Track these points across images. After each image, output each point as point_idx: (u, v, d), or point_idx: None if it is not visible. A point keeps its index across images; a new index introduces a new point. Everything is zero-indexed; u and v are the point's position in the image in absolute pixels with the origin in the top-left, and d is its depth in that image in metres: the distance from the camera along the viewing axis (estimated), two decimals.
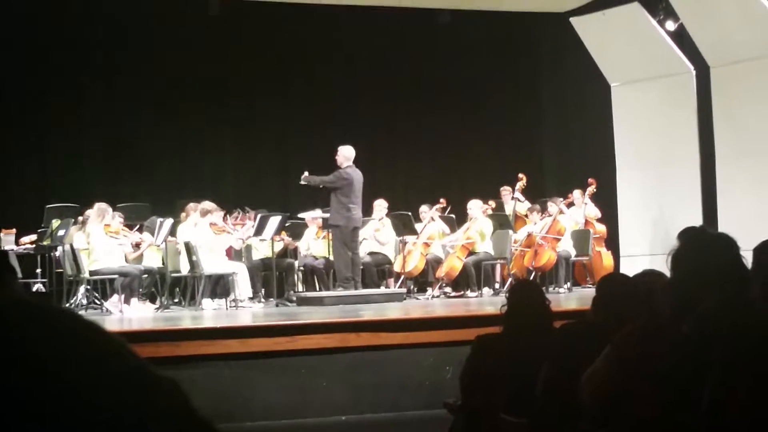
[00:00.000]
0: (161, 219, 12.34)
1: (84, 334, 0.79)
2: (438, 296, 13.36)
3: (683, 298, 2.93)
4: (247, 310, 11.84)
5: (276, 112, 16.21)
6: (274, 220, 12.26)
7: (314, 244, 13.46)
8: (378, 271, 13.48)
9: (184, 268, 12.17)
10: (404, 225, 13.30)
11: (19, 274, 10.73)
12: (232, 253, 12.91)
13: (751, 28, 12.67)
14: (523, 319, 4.59)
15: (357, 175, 12.15)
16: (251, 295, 12.46)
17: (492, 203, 14.26)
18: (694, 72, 13.87)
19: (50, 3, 14.65)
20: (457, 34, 15.91)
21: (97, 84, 15.16)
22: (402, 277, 13.48)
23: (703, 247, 3.03)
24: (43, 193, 14.21)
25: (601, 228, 14.43)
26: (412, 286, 13.76)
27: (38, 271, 13.27)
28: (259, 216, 12.50)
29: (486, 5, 14.99)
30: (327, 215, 12.45)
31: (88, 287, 11.72)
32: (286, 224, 13.03)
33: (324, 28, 15.77)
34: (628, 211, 14.65)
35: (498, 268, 13.96)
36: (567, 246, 13.85)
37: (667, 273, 3.15)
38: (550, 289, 13.64)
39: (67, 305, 11.16)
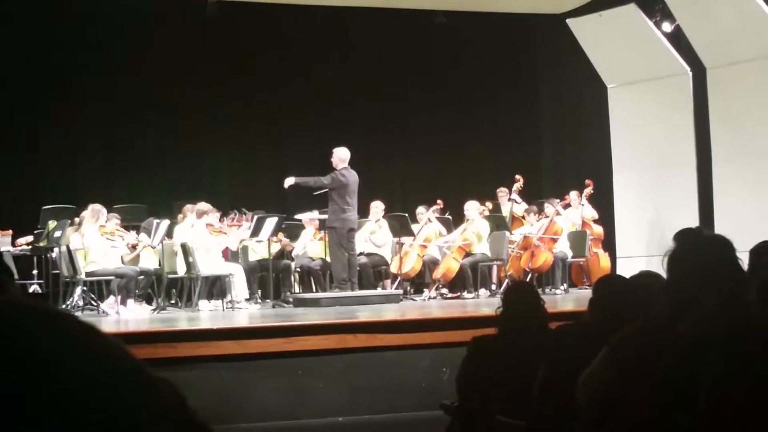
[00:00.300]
0: (158, 220, 12.34)
1: (80, 336, 0.79)
2: (435, 297, 13.36)
3: (680, 299, 2.93)
4: (244, 311, 11.83)
5: (273, 112, 16.21)
6: (271, 222, 12.26)
7: (311, 246, 13.45)
8: (375, 272, 13.47)
9: (181, 270, 12.17)
10: (401, 226, 13.30)
11: (16, 276, 10.75)
12: (229, 255, 12.91)
13: (748, 30, 12.69)
14: (518, 320, 4.59)
15: (352, 177, 12.14)
16: (248, 297, 12.46)
17: (489, 204, 14.26)
18: (690, 73, 13.89)
19: (47, 3, 14.64)
20: (454, 35, 15.92)
21: (94, 85, 15.14)
22: (399, 278, 13.48)
23: (699, 248, 3.03)
24: (39, 194, 14.20)
25: (598, 229, 14.44)
26: (408, 288, 13.76)
27: (35, 272, 13.26)
28: (255, 217, 12.50)
29: (483, 6, 14.99)
30: (324, 216, 12.46)
31: (85, 288, 11.71)
32: (282, 226, 13.02)
33: (321, 29, 15.78)
34: (624, 213, 14.67)
35: (495, 269, 13.97)
36: (564, 247, 13.85)
37: (664, 274, 3.15)
38: (547, 290, 13.66)
39: (64, 306, 11.16)
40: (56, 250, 11.99)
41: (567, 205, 14.40)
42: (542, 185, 16.40)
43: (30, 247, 12.99)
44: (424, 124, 16.65)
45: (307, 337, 8.07)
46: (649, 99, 14.23)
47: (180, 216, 12.78)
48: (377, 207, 13.62)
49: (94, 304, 11.72)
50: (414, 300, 13.20)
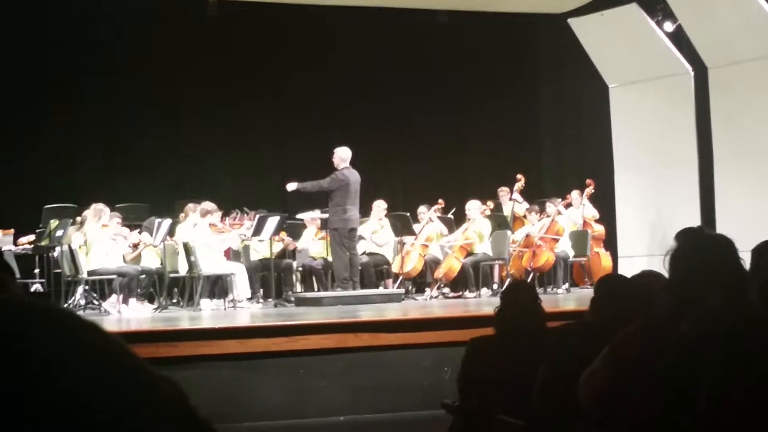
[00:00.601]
0: (159, 219, 12.34)
1: (83, 335, 0.79)
2: (436, 297, 13.36)
3: (681, 299, 2.93)
4: (246, 310, 11.83)
5: (274, 112, 16.21)
6: (273, 221, 12.26)
7: (313, 245, 13.45)
8: (376, 271, 13.48)
9: (183, 269, 12.18)
10: (403, 226, 13.30)
11: (18, 275, 10.76)
12: (231, 254, 12.91)
13: (749, 29, 12.68)
14: (515, 320, 4.59)
15: (353, 177, 12.14)
16: (249, 296, 12.47)
17: (490, 204, 14.26)
18: (692, 73, 13.89)
19: (49, 2, 14.64)
20: (455, 34, 15.92)
21: (96, 84, 15.13)
22: (400, 277, 13.48)
23: (701, 248, 3.03)
24: (41, 193, 14.18)
25: (600, 229, 14.44)
26: (410, 287, 13.76)
27: (36, 271, 13.26)
28: (257, 216, 12.50)
29: (484, 6, 14.99)
30: (325, 216, 12.46)
31: (87, 287, 11.71)
32: (284, 225, 13.02)
33: (322, 29, 15.77)
34: (626, 212, 14.67)
35: (496, 268, 13.96)
36: (565, 247, 13.85)
37: (666, 274, 3.15)
38: (548, 289, 13.67)
39: (66, 305, 11.16)
40: (58, 249, 11.99)
41: (568, 205, 14.39)
42: (544, 185, 16.40)
43: (32, 246, 12.98)
44: (426, 123, 16.64)
45: (308, 336, 8.07)
46: (651, 98, 14.23)
47: (182, 215, 12.78)
48: (379, 206, 13.62)
49: (96, 303, 11.72)
50: (416, 299, 13.20)
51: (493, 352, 4.54)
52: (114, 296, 11.63)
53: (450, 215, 14.23)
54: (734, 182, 13.11)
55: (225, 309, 11.85)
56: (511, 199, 14.82)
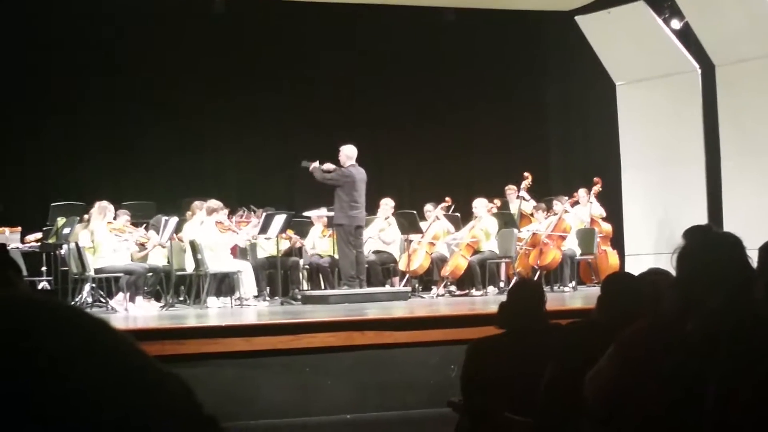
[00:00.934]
0: (166, 217, 12.35)
1: (91, 332, 0.79)
2: (443, 295, 13.35)
3: (688, 297, 2.93)
4: (252, 308, 11.85)
5: (280, 110, 16.21)
6: (279, 219, 12.27)
7: (319, 243, 13.46)
8: (383, 269, 13.48)
9: (189, 267, 12.18)
10: (409, 224, 13.30)
11: (25, 273, 10.78)
12: (237, 252, 12.92)
13: (757, 27, 12.66)
14: (521, 318, 4.58)
15: (360, 174, 12.15)
16: (256, 294, 12.48)
17: (497, 202, 14.25)
18: (699, 71, 13.86)
19: (50, 2, 14.65)
20: (462, 32, 15.90)
21: (100, 82, 15.15)
22: (407, 275, 13.48)
23: (708, 246, 3.02)
24: (48, 191, 14.21)
25: (607, 227, 14.43)
26: (416, 285, 13.76)
27: (43, 269, 13.28)
28: (264, 214, 12.51)
29: (491, 4, 14.98)
30: (332, 214, 12.46)
31: (93, 285, 11.73)
32: (291, 223, 13.02)
33: (328, 27, 15.76)
34: (633, 210, 14.65)
35: (503, 266, 13.95)
36: (572, 245, 13.84)
37: (673, 272, 3.15)
38: (555, 287, 13.66)
39: (73, 303, 11.18)
40: (65, 246, 12.01)
41: (575, 203, 14.38)
42: (551, 182, 16.38)
43: (39, 244, 13.01)
44: (433, 121, 16.63)
45: (315, 334, 8.07)
46: (658, 96, 14.21)
47: (188, 213, 12.79)
48: (386, 204, 13.62)
49: (103, 300, 11.74)
50: (422, 297, 13.20)
51: (495, 351, 4.53)
52: (121, 294, 11.65)
53: (456, 213, 14.22)
54: (741, 180, 13.09)
55: (231, 307, 11.86)
56: (518, 197, 14.81)
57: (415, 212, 13.52)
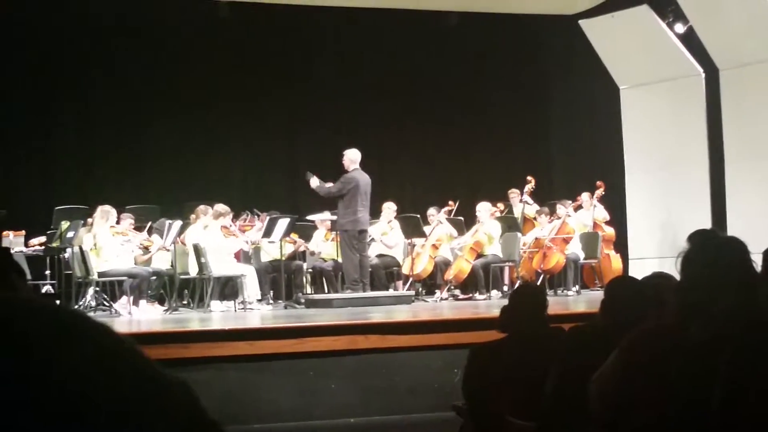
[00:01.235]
0: (170, 221, 12.36)
1: (93, 336, 0.79)
2: (446, 298, 13.34)
3: (692, 301, 2.92)
4: (256, 312, 11.84)
5: (284, 113, 16.22)
6: (283, 222, 12.28)
7: (323, 246, 13.47)
8: (386, 273, 13.47)
9: (193, 270, 12.18)
10: (413, 227, 13.30)
11: (29, 276, 10.78)
12: (241, 255, 12.92)
13: (761, 31, 12.65)
14: (523, 322, 4.57)
15: (363, 178, 12.15)
16: (260, 297, 12.47)
17: (500, 205, 14.24)
18: (703, 74, 13.85)
19: (56, 3, 14.67)
20: (465, 36, 15.91)
21: (106, 85, 15.18)
22: (410, 279, 13.47)
23: (712, 250, 3.02)
24: (52, 195, 14.24)
25: (610, 230, 14.42)
26: (420, 289, 13.76)
27: (47, 272, 13.28)
28: (268, 218, 12.51)
29: (495, 8, 14.98)
30: (335, 218, 12.47)
31: (97, 289, 11.73)
32: (294, 227, 13.02)
33: (332, 30, 15.79)
34: (636, 214, 14.64)
35: (506, 270, 13.94)
36: (576, 248, 13.83)
37: (677, 276, 3.15)
38: (559, 291, 13.65)
39: (76, 307, 11.18)
40: (69, 250, 12.02)
41: (578, 207, 14.38)
42: (554, 186, 16.38)
43: (43, 247, 13.01)
44: (436, 125, 16.64)
45: (318, 338, 8.07)
46: (662, 100, 14.20)
47: (192, 217, 12.79)
48: (389, 208, 13.62)
49: (107, 304, 11.74)
50: (426, 301, 13.19)
51: (496, 356, 4.52)
52: (124, 298, 11.66)
53: (460, 217, 14.22)
54: (745, 184, 13.08)
55: (235, 310, 11.86)
56: (521, 200, 14.81)
57: (418, 216, 13.52)
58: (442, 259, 13.68)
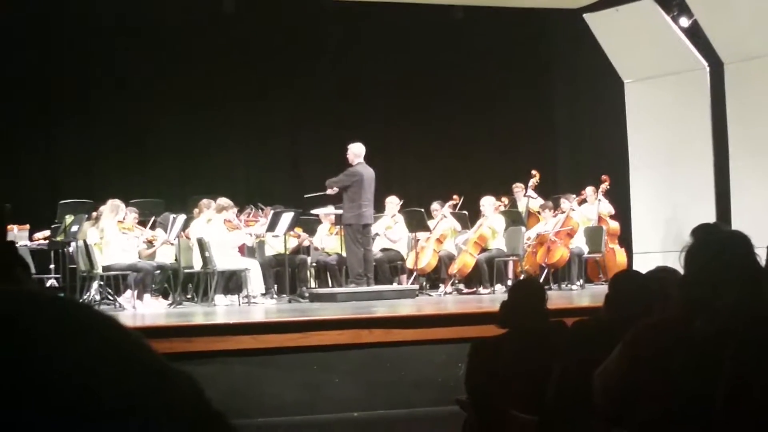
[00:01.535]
0: (174, 215, 12.36)
1: (99, 329, 0.79)
2: (450, 293, 13.35)
3: (696, 295, 2.92)
4: (260, 306, 11.85)
5: (288, 108, 16.21)
6: (287, 216, 12.28)
7: (327, 240, 13.47)
8: (390, 267, 13.47)
9: (197, 264, 12.19)
10: (417, 222, 13.29)
11: (33, 270, 10.80)
12: (245, 250, 12.93)
13: (765, 25, 12.63)
14: (523, 317, 4.58)
15: (367, 172, 12.14)
16: (264, 291, 12.47)
17: (505, 200, 14.24)
18: (707, 68, 13.83)
19: (59, 0, 14.67)
20: (470, 30, 15.89)
21: (109, 80, 15.18)
22: (414, 273, 13.47)
23: (717, 244, 3.02)
24: (56, 189, 14.26)
25: (614, 225, 14.41)
26: (424, 283, 13.75)
27: (52, 266, 13.30)
28: (272, 212, 12.51)
29: (500, 2, 14.95)
30: (339, 212, 12.47)
31: (101, 283, 11.75)
32: (298, 221, 13.01)
33: (337, 25, 15.77)
34: (641, 208, 14.63)
35: (511, 264, 13.94)
36: (580, 243, 13.83)
37: (680, 270, 3.14)
38: (563, 285, 13.65)
39: (81, 301, 11.19)
40: (73, 244, 12.03)
41: (582, 201, 14.37)
42: (558, 181, 16.36)
43: (47, 241, 13.03)
44: (440, 119, 16.63)
45: (322, 332, 8.07)
46: (666, 94, 14.18)
47: (196, 211, 12.80)
48: (393, 202, 13.62)
49: (111, 298, 11.76)
50: (430, 295, 13.19)
51: (497, 351, 4.53)
52: (129, 292, 11.67)
53: (464, 211, 14.21)
54: (750, 178, 13.06)
55: (239, 305, 11.87)
56: (525, 195, 14.81)
57: (422, 210, 13.52)
58: (447, 253, 13.68)
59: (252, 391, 7.78)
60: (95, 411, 0.73)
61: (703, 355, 2.76)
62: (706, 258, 2.95)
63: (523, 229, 13.67)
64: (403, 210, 13.63)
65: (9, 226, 12.83)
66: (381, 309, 9.90)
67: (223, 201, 12.41)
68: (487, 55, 16.54)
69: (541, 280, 12.25)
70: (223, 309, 11.48)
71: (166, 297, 12.41)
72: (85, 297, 11.57)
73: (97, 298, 11.61)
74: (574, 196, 14.23)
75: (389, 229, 13.50)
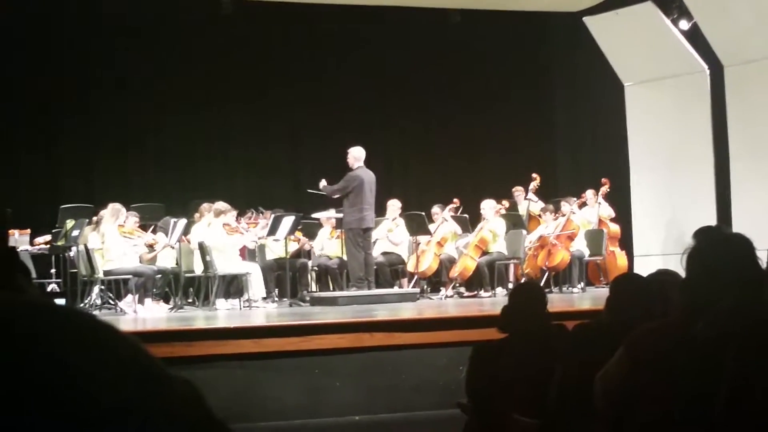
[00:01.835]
0: (175, 219, 12.36)
1: (98, 336, 0.79)
2: (451, 296, 13.34)
3: (697, 298, 2.92)
4: (261, 310, 11.85)
5: (289, 111, 16.22)
6: (288, 220, 12.28)
7: (328, 244, 13.46)
8: (391, 271, 13.48)
9: (198, 269, 12.19)
10: (418, 225, 13.30)
11: (34, 275, 10.80)
12: (246, 253, 12.93)
13: (765, 27, 12.62)
14: (524, 321, 4.57)
15: (367, 176, 12.15)
16: (265, 295, 12.47)
17: (505, 203, 14.24)
18: (708, 71, 13.82)
19: (62, 3, 14.69)
20: (469, 33, 15.90)
21: (109, 84, 15.20)
22: (415, 277, 13.48)
23: (718, 246, 3.02)
24: (57, 193, 14.26)
25: (615, 228, 14.41)
26: (425, 286, 13.75)
27: (53, 271, 13.31)
28: (273, 216, 12.52)
29: (499, 5, 14.96)
30: (340, 215, 12.47)
31: (102, 287, 11.75)
32: (299, 224, 13.02)
33: (336, 28, 15.78)
34: (641, 211, 14.61)
35: (511, 268, 13.94)
36: (581, 246, 13.82)
37: (681, 273, 3.14)
38: (564, 288, 13.64)
39: (82, 305, 11.21)
40: (74, 249, 12.04)
41: (583, 204, 14.37)
42: (559, 184, 16.37)
43: (48, 246, 13.04)
44: (441, 122, 16.64)
45: (323, 335, 8.07)
46: (667, 97, 14.18)
47: (197, 215, 12.80)
48: (394, 205, 13.63)
49: (112, 303, 11.76)
50: (431, 299, 13.19)
51: (498, 354, 4.52)
52: (130, 296, 11.67)
53: (464, 214, 14.21)
54: (750, 181, 13.05)
55: (240, 309, 11.87)
56: (526, 198, 14.81)
57: (423, 213, 13.52)
58: (447, 256, 13.68)
59: (253, 395, 7.78)
60: (94, 416, 0.73)
61: (705, 358, 2.76)
62: (708, 260, 2.95)
63: (524, 232, 13.67)
64: (403, 213, 13.63)
65: (10, 231, 12.84)
66: (382, 312, 9.90)
67: (221, 205, 12.41)
68: (488, 59, 16.55)
69: (542, 283, 12.25)
70: (224, 313, 11.47)
71: (167, 301, 12.42)
72: (86, 302, 11.58)
73: (98, 302, 11.61)
74: (575, 199, 14.24)
75: (391, 233, 13.51)
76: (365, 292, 11.89)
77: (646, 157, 14.50)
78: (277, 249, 13.01)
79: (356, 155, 12.25)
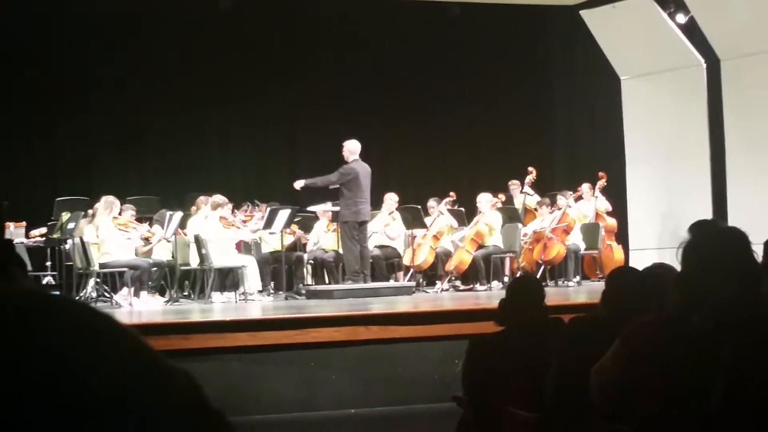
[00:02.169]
0: (171, 212, 12.35)
1: (96, 326, 0.79)
2: (447, 290, 13.35)
3: (693, 291, 2.92)
4: (257, 303, 11.85)
5: (285, 105, 16.22)
6: (284, 213, 12.27)
7: (324, 237, 13.46)
8: (387, 264, 13.47)
9: (194, 261, 12.19)
10: (414, 218, 13.30)
11: (29, 268, 10.79)
12: (242, 247, 12.92)
13: (762, 22, 12.63)
14: (521, 314, 4.57)
15: (363, 169, 12.14)
16: (260, 288, 12.47)
17: (501, 197, 14.24)
18: (704, 65, 13.83)
19: (59, 1, 14.65)
20: (467, 27, 15.88)
21: (106, 77, 15.17)
22: (411, 270, 13.48)
23: (714, 240, 3.02)
24: (52, 186, 14.24)
25: (611, 221, 14.42)
26: (421, 280, 13.76)
27: (48, 264, 13.29)
28: (269, 209, 12.51)
29: None
30: (336, 209, 12.47)
31: (98, 280, 11.74)
32: (296, 218, 13.02)
33: (334, 22, 15.76)
34: (637, 205, 14.62)
35: (507, 261, 13.94)
36: (576, 239, 13.83)
37: (677, 266, 3.14)
38: (560, 282, 13.65)
39: (77, 298, 11.19)
40: (69, 241, 12.03)
41: (579, 198, 14.38)
42: (555, 177, 16.38)
43: (44, 238, 13.02)
44: (437, 116, 16.63)
45: (319, 329, 8.07)
46: (663, 91, 14.18)
47: (194, 208, 12.79)
48: (391, 199, 13.62)
49: (107, 295, 11.75)
50: (426, 292, 13.20)
51: (495, 348, 4.52)
52: (125, 289, 11.66)
53: (460, 208, 14.21)
54: (746, 174, 13.06)
55: (236, 302, 11.87)
56: (522, 191, 14.81)
57: (419, 207, 13.51)
58: (443, 250, 13.68)
59: (249, 388, 7.78)
60: (93, 408, 0.73)
61: (701, 351, 2.76)
62: (704, 254, 2.95)
63: (520, 225, 13.67)
64: (399, 207, 13.63)
65: (6, 223, 12.82)
66: (378, 306, 9.91)
67: (218, 198, 12.40)
68: (484, 52, 16.54)
69: (538, 277, 12.26)
70: (219, 306, 11.48)
71: (162, 294, 12.40)
72: (81, 294, 11.56)
73: (94, 295, 11.59)
74: (571, 192, 14.24)
75: (387, 226, 13.50)
76: (361, 285, 11.89)
77: (643, 150, 14.51)
78: (273, 242, 13.01)
79: (351, 148, 12.24)
